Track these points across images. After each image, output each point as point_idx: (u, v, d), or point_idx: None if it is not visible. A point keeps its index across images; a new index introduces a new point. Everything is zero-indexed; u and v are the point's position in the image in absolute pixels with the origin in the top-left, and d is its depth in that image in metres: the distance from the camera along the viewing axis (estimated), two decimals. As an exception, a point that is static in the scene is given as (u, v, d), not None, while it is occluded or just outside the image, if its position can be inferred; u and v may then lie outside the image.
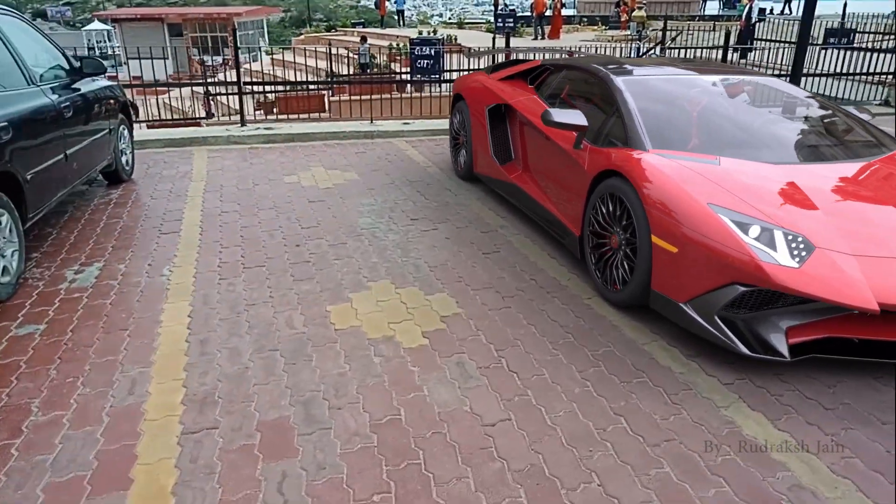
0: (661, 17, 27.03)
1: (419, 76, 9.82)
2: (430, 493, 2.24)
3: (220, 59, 32.63)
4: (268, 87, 11.63)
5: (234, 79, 8.37)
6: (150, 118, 10.63)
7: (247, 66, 25.25)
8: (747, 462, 2.43)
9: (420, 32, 23.51)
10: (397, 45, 18.47)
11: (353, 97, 12.22)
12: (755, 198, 2.98)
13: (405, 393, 2.81)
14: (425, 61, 9.51)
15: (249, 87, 8.74)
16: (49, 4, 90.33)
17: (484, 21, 33.54)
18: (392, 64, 16.94)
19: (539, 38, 25.37)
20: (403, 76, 12.62)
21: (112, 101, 5.53)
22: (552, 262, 4.22)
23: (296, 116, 10.09)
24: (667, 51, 11.85)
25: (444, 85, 10.21)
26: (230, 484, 2.27)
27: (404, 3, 34.97)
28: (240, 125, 8.13)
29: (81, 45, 34.07)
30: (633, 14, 23.95)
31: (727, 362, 3.03)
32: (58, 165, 4.28)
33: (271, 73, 20.07)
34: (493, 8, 28.69)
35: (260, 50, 29.23)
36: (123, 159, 5.89)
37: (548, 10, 26.77)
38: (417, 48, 9.74)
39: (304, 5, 75.80)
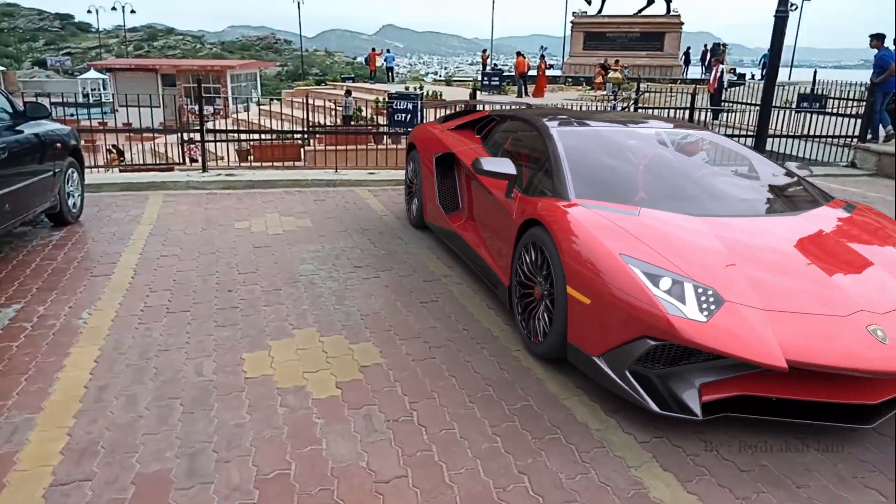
0: (643, 80, 27.82)
1: (396, 129, 10.03)
2: (300, 556, 2.08)
3: (211, 108, 33.21)
4: (243, 136, 11.66)
5: (208, 127, 8.41)
6: (135, 163, 10.67)
7: (235, 115, 25.69)
8: (649, 526, 2.28)
9: (406, 88, 24.01)
10: (384, 99, 18.85)
11: (328, 147, 12.34)
12: (670, 250, 2.92)
13: (301, 446, 2.66)
14: (403, 115, 9.71)
15: (213, 134, 8.73)
16: (49, 54, 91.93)
17: (472, 79, 34.30)
18: (377, 117, 17.26)
19: (523, 96, 25.92)
20: (382, 128, 12.81)
21: (59, 145, 5.48)
22: (489, 313, 4.12)
23: (269, 164, 10.12)
24: (637, 109, 12.07)
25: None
26: (86, 542, 2.09)
27: (393, 60, 35.82)
28: (201, 171, 8.10)
29: (76, 91, 34.64)
30: (609, 76, 24.65)
31: (647, 420, 2.90)
32: (-17, 205, 4.19)
33: (258, 122, 20.42)
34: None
35: (249, 101, 29.86)
36: (70, 202, 5.81)
37: (532, 70, 27.48)
38: (396, 102, 9.95)
39: (300, 61, 77.54)
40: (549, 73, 33.04)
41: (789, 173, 4.06)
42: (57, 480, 2.39)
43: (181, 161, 15.50)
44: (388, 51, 36.65)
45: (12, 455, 2.53)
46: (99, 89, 44.69)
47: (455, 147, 4.94)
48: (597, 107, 14.55)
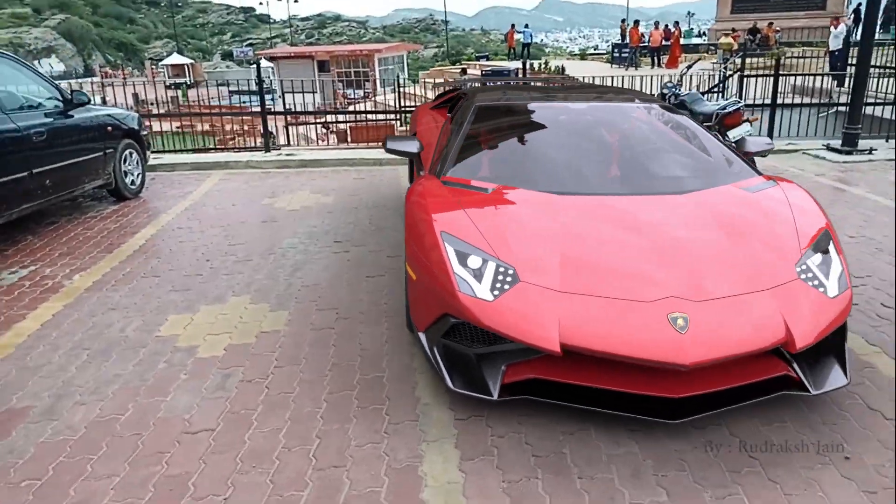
0: (798, 44, 25.08)
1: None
2: (73, 485, 2.42)
3: (361, 91, 35.10)
4: (332, 117, 12.35)
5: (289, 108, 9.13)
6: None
7: (380, 97, 26.99)
8: (389, 498, 2.36)
9: (531, 65, 23.72)
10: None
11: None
12: (495, 228, 2.88)
13: (150, 396, 3.01)
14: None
15: (272, 115, 9.44)
16: (235, 46, 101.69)
17: (606, 53, 33.06)
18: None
19: (655, 67, 24.64)
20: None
21: (110, 128, 6.32)
22: (423, 289, 4.22)
23: (364, 145, 10.72)
24: (742, 77, 11.07)
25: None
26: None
27: (531, 36, 35.39)
28: (264, 151, 8.81)
29: (250, 79, 38.26)
30: (720, 41, 22.87)
31: (483, 401, 2.90)
32: (19, 180, 5.00)
33: (394, 103, 21.47)
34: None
35: (395, 83, 31.23)
36: (128, 179, 6.67)
37: (664, 41, 25.96)
38: (489, 79, 10.08)
39: (456, 41, 79.00)
40: (695, 41, 30.92)
41: (728, 150, 3.70)
42: (-48, 407, 2.95)
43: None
44: (525, 26, 36.21)
45: (-64, 385, 3.14)
46: (270, 77, 49.03)
47: (421, 126, 5.03)
48: (709, 76, 13.50)
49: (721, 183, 3.35)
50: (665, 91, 8.15)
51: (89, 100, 6.04)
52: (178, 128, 12.86)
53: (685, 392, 2.49)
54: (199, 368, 3.27)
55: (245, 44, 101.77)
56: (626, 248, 2.81)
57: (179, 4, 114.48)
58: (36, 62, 61.89)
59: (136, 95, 20.74)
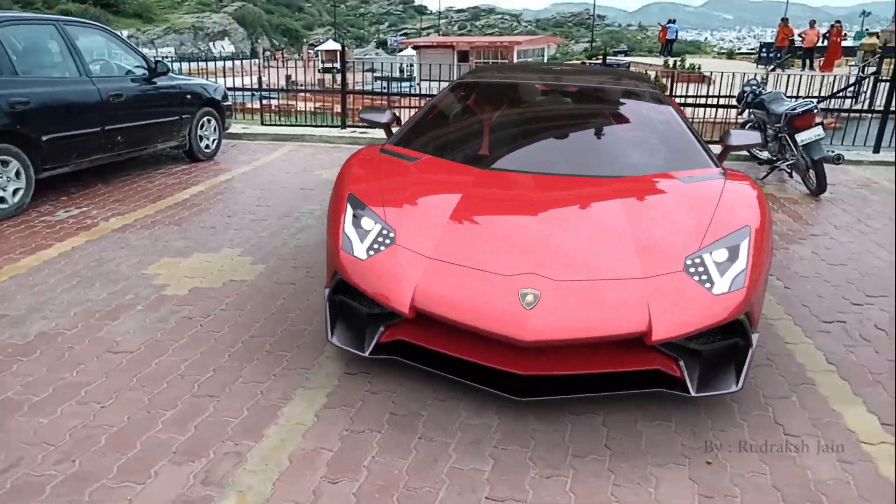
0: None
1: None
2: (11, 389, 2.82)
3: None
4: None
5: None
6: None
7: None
8: (237, 428, 2.52)
9: (665, 62, 22.72)
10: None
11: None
12: (399, 194, 2.93)
13: (101, 320, 3.39)
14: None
15: (350, 93, 9.83)
16: (390, 35, 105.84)
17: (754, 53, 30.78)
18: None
19: (807, 69, 22.64)
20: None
21: (189, 97, 6.97)
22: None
23: None
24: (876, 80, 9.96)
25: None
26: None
27: (676, 32, 33.85)
28: (340, 127, 9.25)
29: (394, 66, 40.09)
30: (863, 42, 20.42)
31: (381, 361, 2.98)
32: (90, 135, 5.70)
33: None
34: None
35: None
36: (203, 143, 7.33)
37: (821, 41, 23.72)
38: None
39: (609, 36, 77.27)
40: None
41: (696, 140, 3.45)
42: (-46, 309, 3.50)
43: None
44: (671, 22, 34.68)
45: (-47, 291, 3.73)
46: (411, 65, 50.82)
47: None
48: (844, 79, 12.25)
49: (661, 170, 3.16)
50: (746, 89, 7.56)
51: (169, 69, 6.72)
52: (317, 107, 13.58)
53: (532, 370, 2.43)
54: (157, 303, 3.61)
55: (399, 33, 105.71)
56: (514, 224, 2.77)
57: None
58: (210, 44, 68.31)
59: (288, 77, 22.39)
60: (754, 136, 3.62)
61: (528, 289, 2.40)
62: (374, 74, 25.75)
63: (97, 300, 3.63)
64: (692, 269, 2.51)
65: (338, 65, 10.25)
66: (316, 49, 64.91)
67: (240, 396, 2.74)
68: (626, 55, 33.72)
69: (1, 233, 4.70)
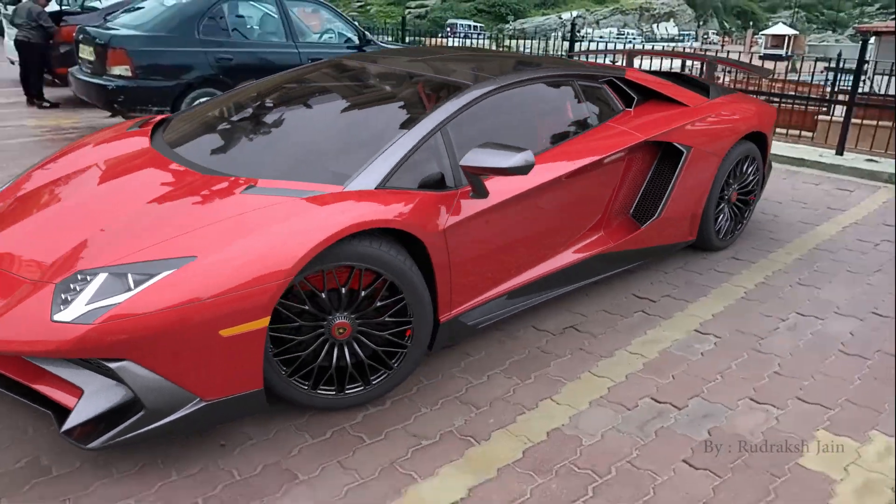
0: None
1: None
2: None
3: None
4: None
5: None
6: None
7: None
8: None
9: None
10: None
11: (865, 121, 9.94)
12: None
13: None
14: None
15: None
16: (880, 19, 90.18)
17: None
18: None
19: None
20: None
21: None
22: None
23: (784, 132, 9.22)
24: None
25: None
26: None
27: None
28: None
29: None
30: None
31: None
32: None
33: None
34: None
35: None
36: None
37: None
38: None
39: None
40: None
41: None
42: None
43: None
44: None
45: None
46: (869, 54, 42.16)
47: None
48: None
49: (304, 179, 2.44)
50: None
51: (371, 41, 7.46)
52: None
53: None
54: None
55: (891, 17, 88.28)
56: (49, 210, 2.55)
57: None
58: (654, 25, 68.38)
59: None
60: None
61: None
62: (825, 66, 21.92)
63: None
64: (72, 283, 2.03)
65: (783, 51, 8.85)
66: (761, 33, 59.21)
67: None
68: None
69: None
